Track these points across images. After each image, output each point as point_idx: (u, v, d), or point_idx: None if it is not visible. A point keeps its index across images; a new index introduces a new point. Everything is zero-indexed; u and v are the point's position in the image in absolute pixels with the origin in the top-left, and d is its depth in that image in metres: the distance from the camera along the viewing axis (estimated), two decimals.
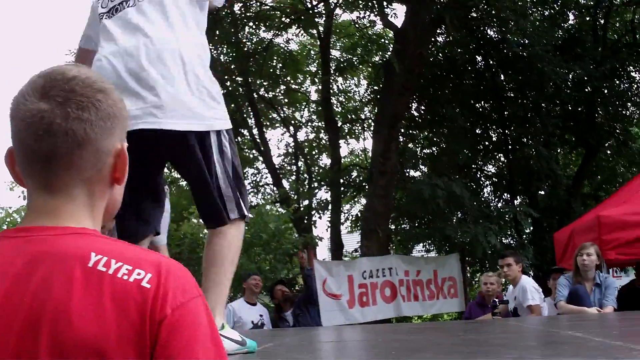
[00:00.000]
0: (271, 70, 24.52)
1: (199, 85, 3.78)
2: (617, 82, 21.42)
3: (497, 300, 10.19)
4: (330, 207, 23.61)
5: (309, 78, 27.24)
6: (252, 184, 26.20)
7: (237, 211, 3.92)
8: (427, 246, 22.76)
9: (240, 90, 23.44)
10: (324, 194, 25.67)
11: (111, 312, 1.39)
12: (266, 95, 25.13)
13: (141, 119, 3.60)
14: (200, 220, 21.98)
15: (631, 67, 21.85)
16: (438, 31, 20.83)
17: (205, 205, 3.94)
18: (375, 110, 23.96)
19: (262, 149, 24.04)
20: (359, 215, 24.71)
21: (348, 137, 27.75)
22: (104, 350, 1.36)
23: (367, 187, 21.89)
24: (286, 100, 26.47)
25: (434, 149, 24.72)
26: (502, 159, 23.41)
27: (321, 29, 22.94)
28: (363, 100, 27.24)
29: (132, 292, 1.41)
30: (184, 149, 3.75)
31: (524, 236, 20.80)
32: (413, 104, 22.72)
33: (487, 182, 24.28)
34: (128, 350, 1.38)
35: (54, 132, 1.50)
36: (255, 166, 26.46)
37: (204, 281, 3.83)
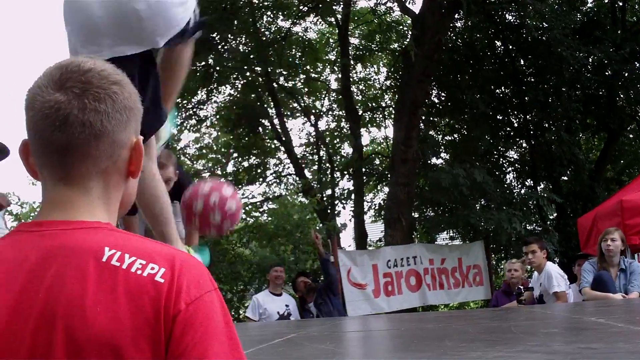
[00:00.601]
0: (290, 59, 24.47)
1: None
2: (638, 64, 21.21)
3: (522, 287, 10.15)
4: (353, 197, 23.56)
5: (329, 66, 27.17)
6: (274, 175, 26.20)
7: None
8: (451, 234, 22.70)
9: (260, 80, 23.39)
10: (346, 184, 25.64)
11: (125, 307, 1.39)
12: (286, 84, 25.04)
13: None
14: None
15: None
16: (456, 16, 20.73)
17: None
18: (396, 98, 23.89)
19: (284, 138, 23.99)
20: (382, 204, 24.65)
21: (369, 125, 27.69)
22: (118, 346, 1.36)
23: (389, 175, 21.85)
24: (306, 89, 26.39)
25: (455, 135, 24.63)
26: (524, 144, 23.27)
27: (339, 16, 22.88)
28: (383, 88, 27.14)
29: (146, 287, 1.42)
30: None
31: (548, 222, 20.71)
32: (433, 91, 22.63)
33: (510, 169, 24.17)
34: (143, 345, 1.38)
35: (71, 124, 1.51)
36: (277, 156, 26.41)
37: None
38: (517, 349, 2.96)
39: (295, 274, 13.53)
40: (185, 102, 22.68)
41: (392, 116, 24.57)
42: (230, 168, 25.39)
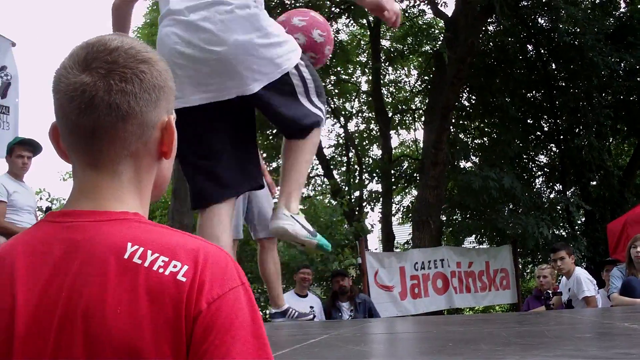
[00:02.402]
0: None
1: None
2: None
3: (550, 292, 10.12)
4: (381, 199, 23.56)
5: (359, 68, 27.17)
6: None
7: None
8: (478, 237, 22.67)
9: None
10: (374, 186, 25.64)
11: (146, 308, 1.33)
12: None
13: None
14: None
15: None
16: (489, 20, 20.69)
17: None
18: (426, 101, 23.88)
19: None
20: (410, 206, 24.62)
21: (399, 127, 27.68)
22: (138, 349, 1.32)
23: (418, 178, 21.82)
24: (336, 90, 26.40)
25: (485, 139, 24.58)
26: (554, 149, 23.20)
27: (371, 18, 22.87)
28: (413, 90, 27.13)
29: (168, 287, 1.36)
30: None
31: (576, 227, 20.64)
32: (464, 94, 22.60)
33: (539, 173, 24.10)
34: (164, 348, 1.33)
35: (97, 106, 1.46)
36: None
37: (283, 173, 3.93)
38: (555, 353, 2.96)
39: (322, 274, 13.50)
40: None
41: (422, 119, 24.57)
42: None
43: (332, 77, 26.02)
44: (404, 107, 27.27)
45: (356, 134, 27.12)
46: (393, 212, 24.33)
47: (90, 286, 1.34)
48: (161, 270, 1.36)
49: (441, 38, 21.76)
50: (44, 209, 17.87)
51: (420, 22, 23.82)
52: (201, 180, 3.83)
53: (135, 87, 1.49)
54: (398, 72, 27.31)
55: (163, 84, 1.57)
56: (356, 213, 22.78)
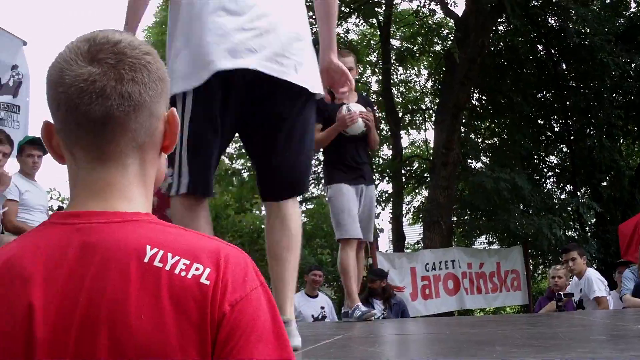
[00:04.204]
0: None
1: None
2: None
3: (562, 294, 10.10)
4: (391, 199, 23.56)
5: (369, 68, 27.17)
6: (314, 175, 26.25)
7: None
8: (489, 238, 22.65)
9: None
10: (385, 186, 25.65)
11: (170, 313, 1.32)
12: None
13: None
14: (262, 212, 22.02)
15: None
16: (499, 20, 20.67)
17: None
18: (437, 101, 23.87)
19: None
20: (421, 207, 24.62)
21: (409, 127, 27.68)
22: (165, 355, 1.30)
23: (429, 178, 21.81)
24: None
25: (495, 139, 24.58)
26: (565, 149, 23.18)
27: (381, 18, 22.89)
28: (424, 90, 27.12)
29: (192, 290, 1.34)
30: None
31: (587, 228, 20.61)
32: (474, 94, 22.59)
33: (550, 173, 24.07)
34: (191, 352, 1.32)
35: (108, 95, 1.43)
36: (317, 157, 26.47)
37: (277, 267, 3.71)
38: (570, 356, 2.95)
39: (334, 275, 13.47)
40: None
41: (433, 119, 24.56)
42: None
43: None
44: (414, 107, 27.26)
45: None
46: (404, 212, 24.31)
47: (112, 290, 1.32)
48: (183, 273, 1.35)
49: (451, 38, 21.72)
50: (57, 209, 17.86)
51: (430, 22, 23.78)
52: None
53: (144, 76, 1.48)
54: (408, 71, 27.30)
55: (164, 77, 1.56)
56: None
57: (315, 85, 3.76)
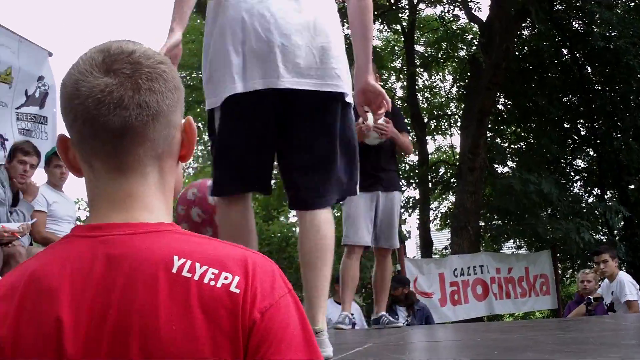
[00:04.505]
0: None
1: None
2: None
3: (591, 297, 10.06)
4: (418, 205, 23.53)
5: (394, 74, 27.16)
6: None
7: None
8: (517, 243, 22.56)
9: None
10: (411, 192, 25.62)
11: (202, 323, 1.31)
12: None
13: None
14: (290, 219, 21.84)
15: None
16: (523, 24, 20.62)
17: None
18: (462, 106, 23.83)
19: None
20: (448, 212, 24.58)
21: (434, 133, 27.64)
22: None
23: (455, 183, 21.78)
24: None
25: (521, 144, 24.51)
26: (591, 153, 23.06)
27: (405, 24, 22.88)
28: (449, 95, 27.09)
29: (222, 299, 1.33)
30: None
31: (615, 232, 20.49)
32: (500, 99, 22.54)
33: (577, 177, 23.96)
34: None
35: (126, 106, 1.42)
36: None
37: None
38: None
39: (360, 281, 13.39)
40: None
41: (458, 124, 24.52)
42: None
43: None
44: (439, 112, 27.23)
45: None
46: (431, 218, 24.28)
47: (141, 302, 1.32)
48: (212, 282, 1.34)
49: (476, 43, 21.69)
50: (85, 219, 17.91)
51: (454, 27, 23.75)
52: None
53: (161, 85, 1.47)
54: (433, 77, 27.28)
55: (180, 86, 1.55)
56: None
57: (349, 92, 3.79)
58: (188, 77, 24.34)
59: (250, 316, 1.34)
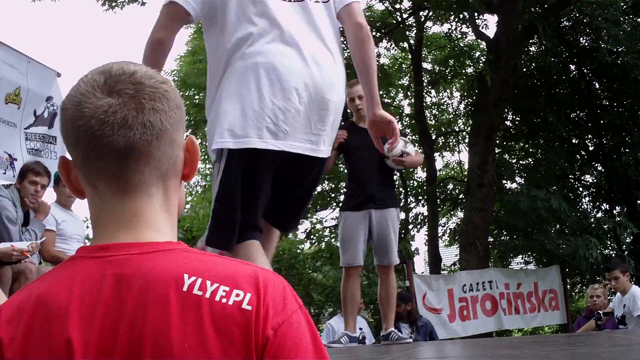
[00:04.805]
0: None
1: None
2: None
3: (601, 312, 10.05)
4: (427, 222, 23.52)
5: (401, 91, 27.17)
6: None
7: None
8: (525, 258, 22.52)
9: None
10: (420, 208, 25.61)
11: (215, 341, 1.30)
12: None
13: None
14: (298, 236, 21.77)
15: None
16: (530, 41, 20.64)
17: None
18: (470, 122, 23.84)
19: None
20: (457, 228, 24.56)
21: (442, 150, 27.64)
22: None
23: (463, 200, 21.76)
24: None
25: (529, 159, 24.50)
26: (600, 168, 23.04)
27: (412, 41, 22.91)
28: (457, 112, 27.10)
29: (234, 317, 1.33)
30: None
31: (624, 246, 20.45)
32: (508, 115, 22.54)
33: (585, 192, 23.92)
34: None
35: (130, 126, 1.41)
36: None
37: None
38: None
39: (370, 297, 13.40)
40: None
41: (466, 140, 24.51)
42: None
43: None
44: (447, 129, 27.23)
45: None
46: (439, 234, 24.26)
47: (153, 321, 1.31)
48: (224, 300, 1.34)
49: (483, 60, 21.71)
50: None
51: (461, 45, 23.78)
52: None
53: (164, 104, 1.46)
54: (440, 94, 27.28)
55: (181, 105, 1.55)
56: (401, 236, 22.76)
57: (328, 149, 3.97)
58: (197, 97, 24.35)
59: (263, 333, 1.33)
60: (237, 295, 1.35)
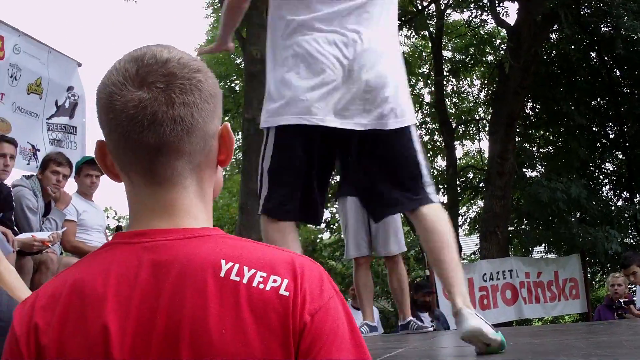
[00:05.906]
0: None
1: None
2: None
3: (622, 301, 10.02)
4: (447, 210, 23.50)
5: (422, 80, 27.11)
6: None
7: None
8: (547, 247, 22.48)
9: None
10: (440, 197, 25.56)
11: (252, 326, 1.30)
12: None
13: None
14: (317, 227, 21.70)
15: None
16: (551, 29, 20.54)
17: None
18: (490, 111, 23.76)
19: None
20: (477, 217, 24.50)
21: (463, 138, 27.58)
22: None
23: (484, 188, 21.72)
24: None
25: (550, 148, 24.41)
26: (620, 156, 22.94)
27: (432, 30, 22.85)
28: (477, 100, 27.01)
29: (272, 302, 1.32)
30: None
31: None
32: (528, 103, 22.47)
33: (606, 180, 23.83)
34: None
35: (161, 122, 1.39)
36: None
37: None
38: None
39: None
40: None
41: (486, 129, 24.44)
42: None
43: None
44: (467, 117, 27.15)
45: None
46: (459, 223, 24.20)
47: (190, 307, 1.31)
48: (261, 286, 1.34)
49: (503, 48, 21.62)
50: (114, 228, 17.96)
51: (482, 32, 23.69)
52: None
53: (195, 97, 1.44)
54: (461, 82, 27.20)
55: (217, 92, 1.53)
56: None
57: (409, 116, 3.91)
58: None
59: (300, 319, 1.33)
60: (275, 281, 1.35)
